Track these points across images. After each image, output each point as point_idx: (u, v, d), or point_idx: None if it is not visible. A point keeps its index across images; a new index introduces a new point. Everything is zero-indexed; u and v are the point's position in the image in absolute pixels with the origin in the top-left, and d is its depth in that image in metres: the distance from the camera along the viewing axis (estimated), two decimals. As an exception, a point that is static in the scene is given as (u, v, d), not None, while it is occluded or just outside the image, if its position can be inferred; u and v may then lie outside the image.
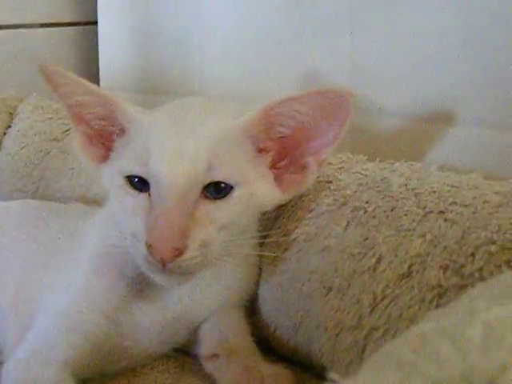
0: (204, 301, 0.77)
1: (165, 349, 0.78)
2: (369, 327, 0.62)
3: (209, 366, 0.74)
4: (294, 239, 0.74)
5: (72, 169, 1.12)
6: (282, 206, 0.79)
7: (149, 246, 0.64)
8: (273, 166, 0.73)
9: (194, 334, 0.78)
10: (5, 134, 1.25)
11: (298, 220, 0.76)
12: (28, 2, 1.35)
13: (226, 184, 0.67)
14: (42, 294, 0.79)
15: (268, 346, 0.78)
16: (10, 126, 1.25)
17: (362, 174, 0.76)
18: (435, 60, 0.84)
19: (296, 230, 0.75)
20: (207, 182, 0.66)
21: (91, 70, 1.38)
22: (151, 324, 0.75)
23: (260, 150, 0.72)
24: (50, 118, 1.22)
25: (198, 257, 0.65)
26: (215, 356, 0.73)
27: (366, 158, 0.82)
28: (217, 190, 0.67)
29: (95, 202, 1.04)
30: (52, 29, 1.38)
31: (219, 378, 0.72)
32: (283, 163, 0.73)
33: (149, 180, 0.67)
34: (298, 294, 0.72)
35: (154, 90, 1.29)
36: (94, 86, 0.75)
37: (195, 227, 0.65)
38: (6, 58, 1.36)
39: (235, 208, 0.68)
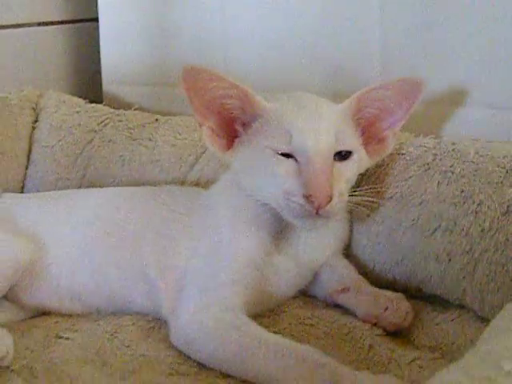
0: (321, 248, 1.00)
1: (295, 291, 1.00)
2: (480, 250, 0.90)
3: (341, 298, 0.98)
4: (390, 197, 1.00)
5: (121, 156, 1.26)
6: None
7: (308, 197, 0.86)
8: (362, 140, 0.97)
9: (315, 277, 1.01)
10: (33, 128, 1.35)
11: (386, 183, 1.01)
12: (26, 1, 1.44)
13: (346, 151, 0.91)
14: (185, 260, 0.97)
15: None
16: (36, 121, 1.35)
17: (426, 146, 1.02)
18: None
19: (389, 191, 1.00)
20: (337, 150, 0.90)
21: (92, 66, 1.50)
22: (288, 271, 0.97)
23: (356, 128, 0.96)
24: (78, 112, 1.34)
25: (338, 204, 0.88)
26: (345, 289, 0.97)
27: (412, 134, 1.08)
28: (341, 155, 0.91)
29: (150, 184, 1.21)
30: (50, 27, 1.48)
31: (354, 306, 0.96)
32: (365, 136, 0.98)
33: (293, 154, 0.89)
34: (399, 237, 0.98)
35: (160, 82, 1.44)
36: (232, 81, 0.94)
37: (334, 182, 0.88)
38: (7, 57, 1.44)
39: (354, 167, 0.93)
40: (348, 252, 1.04)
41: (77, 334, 0.96)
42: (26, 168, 1.33)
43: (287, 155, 0.90)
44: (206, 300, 0.91)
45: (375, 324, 0.94)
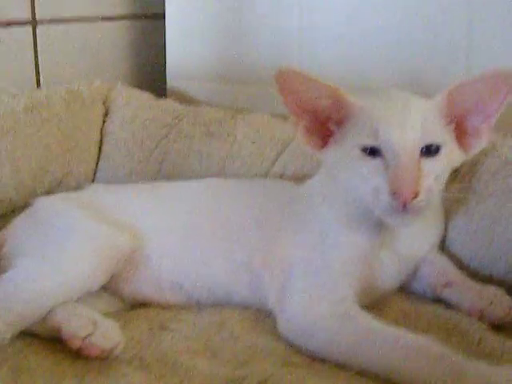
0: (421, 242, 1.02)
1: (398, 285, 1.02)
2: None
3: (446, 292, 0.99)
4: (490, 194, 1.01)
5: (199, 151, 1.27)
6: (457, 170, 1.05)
7: (393, 193, 0.87)
8: (455, 134, 0.97)
9: (414, 272, 1.03)
10: (103, 121, 1.35)
11: (485, 181, 1.03)
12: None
13: (434, 145, 0.91)
14: (291, 253, 0.98)
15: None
16: (106, 114, 1.35)
17: (519, 145, 1.04)
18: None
19: (488, 188, 1.02)
20: (422, 144, 0.91)
21: (156, 61, 1.51)
22: (392, 264, 0.99)
23: (448, 123, 0.96)
24: (150, 106, 1.34)
25: (425, 200, 0.89)
26: (449, 283, 0.99)
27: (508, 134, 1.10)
28: (429, 150, 0.91)
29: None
30: (115, 22, 1.48)
31: (458, 300, 0.98)
32: (460, 130, 0.98)
33: (381, 148, 0.90)
34: (499, 234, 1.00)
35: (225, 78, 1.45)
36: (323, 82, 0.95)
37: (422, 177, 0.89)
38: (72, 50, 1.44)
39: (443, 162, 0.93)
40: (444, 248, 1.06)
41: (181, 325, 0.97)
42: (98, 160, 1.32)
43: (374, 153, 0.91)
44: (317, 291, 0.93)
45: (479, 318, 0.95)
